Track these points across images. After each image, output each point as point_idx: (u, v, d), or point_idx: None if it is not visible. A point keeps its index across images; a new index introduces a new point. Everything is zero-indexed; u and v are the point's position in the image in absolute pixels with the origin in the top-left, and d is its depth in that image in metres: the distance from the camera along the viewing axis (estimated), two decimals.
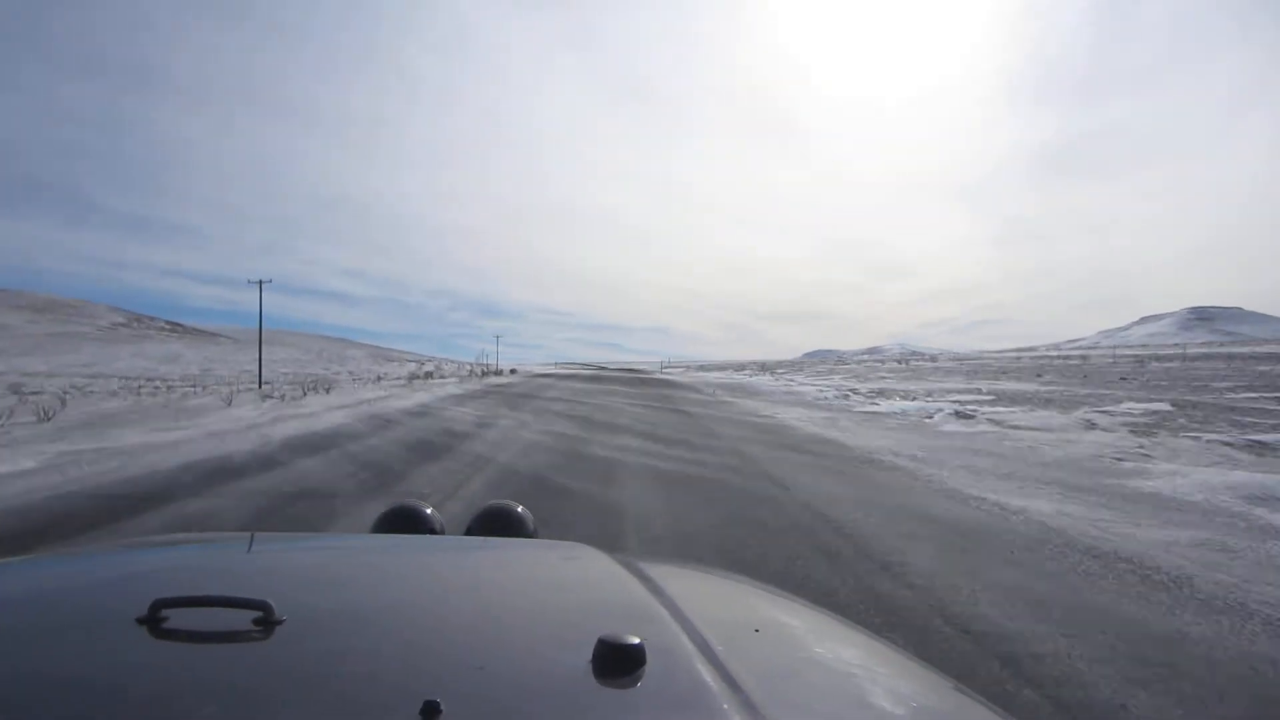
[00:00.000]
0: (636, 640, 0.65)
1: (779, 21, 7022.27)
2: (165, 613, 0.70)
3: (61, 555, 1.16)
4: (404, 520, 1.56)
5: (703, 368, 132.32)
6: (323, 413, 16.28)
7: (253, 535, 1.75)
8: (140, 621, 0.70)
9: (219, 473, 7.95)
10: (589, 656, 0.64)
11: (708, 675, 0.65)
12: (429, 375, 55.49)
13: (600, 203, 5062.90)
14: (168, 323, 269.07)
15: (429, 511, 1.60)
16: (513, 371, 69.64)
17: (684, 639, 0.74)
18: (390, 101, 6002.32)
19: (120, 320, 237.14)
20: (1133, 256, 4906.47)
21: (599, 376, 52.37)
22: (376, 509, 1.86)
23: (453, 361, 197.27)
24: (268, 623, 0.70)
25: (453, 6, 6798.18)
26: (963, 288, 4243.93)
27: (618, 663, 0.63)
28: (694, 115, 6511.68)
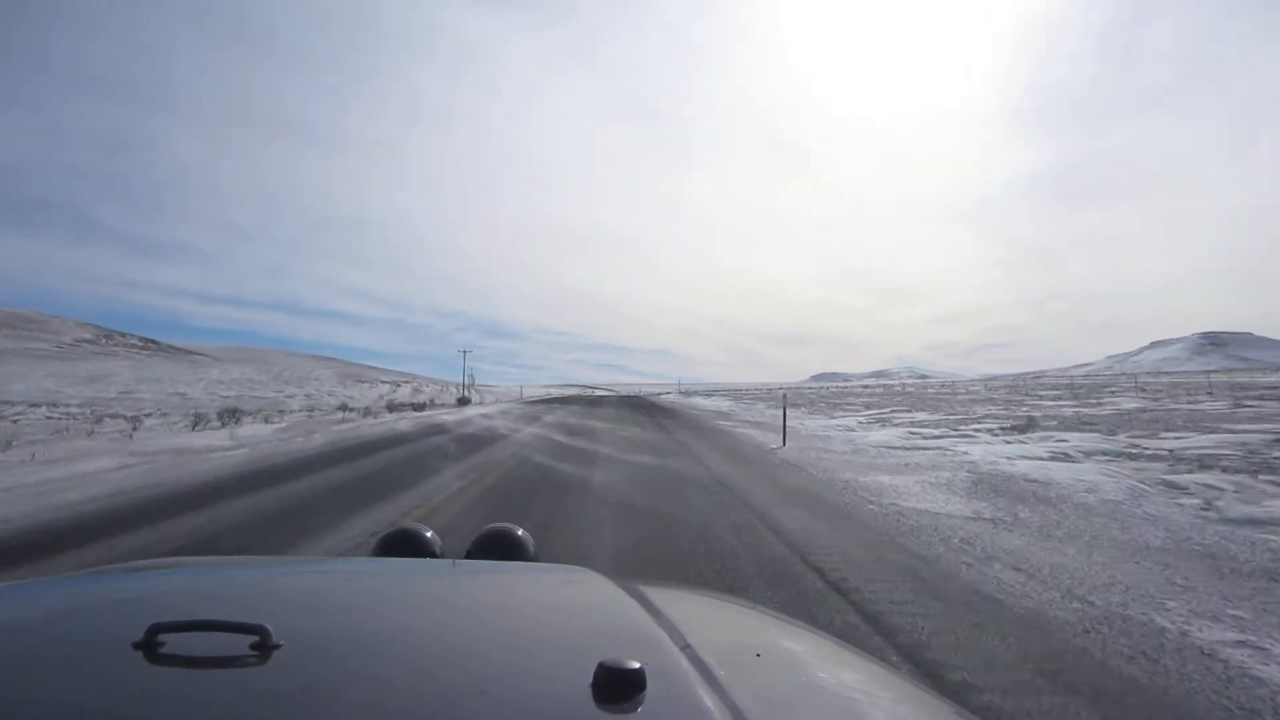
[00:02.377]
0: (637, 665, 0.64)
1: (785, 44, 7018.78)
2: (162, 637, 0.69)
3: (58, 579, 1.14)
4: (403, 544, 1.54)
5: (721, 392, 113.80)
6: None
7: (250, 559, 1.77)
8: (136, 646, 0.69)
9: None
10: (590, 681, 0.63)
11: (709, 700, 0.64)
12: (234, 416, 35.20)
13: (604, 223, 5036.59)
14: (141, 339, 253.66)
15: (428, 535, 1.58)
16: (463, 401, 48.82)
17: (685, 663, 0.73)
18: (394, 122, 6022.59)
19: (86, 336, 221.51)
20: (1140, 280, 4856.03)
21: (582, 432, 19.60)
22: None
23: (437, 382, 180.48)
24: (265, 647, 0.69)
25: (457, 27, 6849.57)
26: (968, 310, 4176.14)
27: (618, 687, 0.62)
28: (699, 136, 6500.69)
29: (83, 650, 0.75)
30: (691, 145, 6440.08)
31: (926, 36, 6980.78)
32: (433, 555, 1.53)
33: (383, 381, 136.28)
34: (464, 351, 74.75)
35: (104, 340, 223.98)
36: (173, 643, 0.70)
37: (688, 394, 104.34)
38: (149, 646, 0.69)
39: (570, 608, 1.04)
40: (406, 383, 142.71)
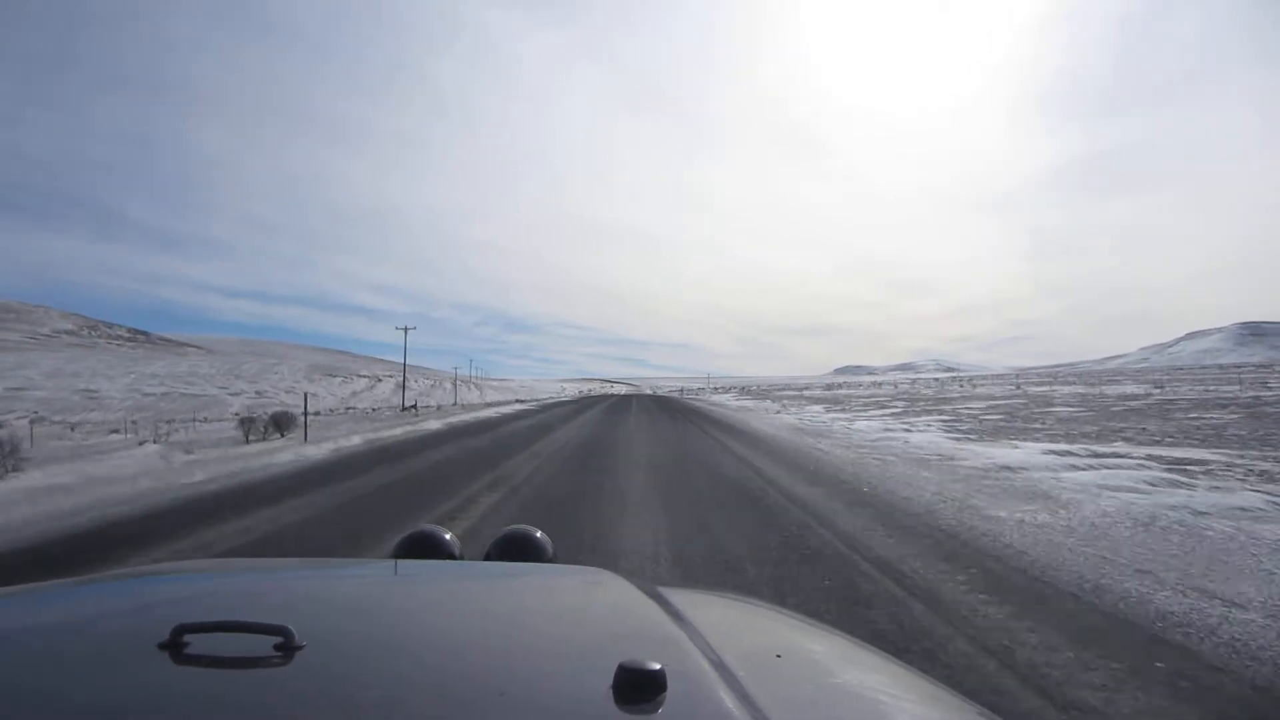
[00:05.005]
0: (657, 666, 0.64)
1: (802, 35, 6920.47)
2: (187, 638, 0.70)
3: (84, 581, 1.16)
4: (423, 545, 1.55)
5: (758, 392, 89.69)
6: None
7: (273, 561, 1.84)
8: (162, 647, 0.70)
9: None
10: (610, 682, 0.63)
11: (729, 701, 0.64)
12: None
13: (622, 217, 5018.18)
14: (130, 331, 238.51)
15: (448, 537, 1.59)
16: (272, 426, 18.98)
17: (705, 665, 0.73)
18: (412, 117, 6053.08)
19: (68, 327, 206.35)
20: (1170, 270, 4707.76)
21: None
22: None
23: (433, 375, 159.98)
24: (288, 648, 0.70)
25: (477, 22, 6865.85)
26: (991, 302, 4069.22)
27: (639, 689, 0.62)
28: (715, 128, 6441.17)
29: (110, 650, 0.76)
30: (709, 138, 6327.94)
31: (947, 25, 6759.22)
32: (453, 557, 1.53)
33: (361, 375, 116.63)
34: (405, 329, 52.84)
35: (87, 331, 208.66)
36: (197, 643, 0.70)
37: (772, 397, 57.82)
38: (174, 647, 0.70)
39: (590, 609, 1.04)
40: (390, 377, 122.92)
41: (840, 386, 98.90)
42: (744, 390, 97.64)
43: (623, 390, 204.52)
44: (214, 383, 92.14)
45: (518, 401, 61.51)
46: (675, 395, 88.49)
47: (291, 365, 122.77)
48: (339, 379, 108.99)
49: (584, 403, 48.76)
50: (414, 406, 48.36)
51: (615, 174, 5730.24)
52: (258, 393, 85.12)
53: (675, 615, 0.92)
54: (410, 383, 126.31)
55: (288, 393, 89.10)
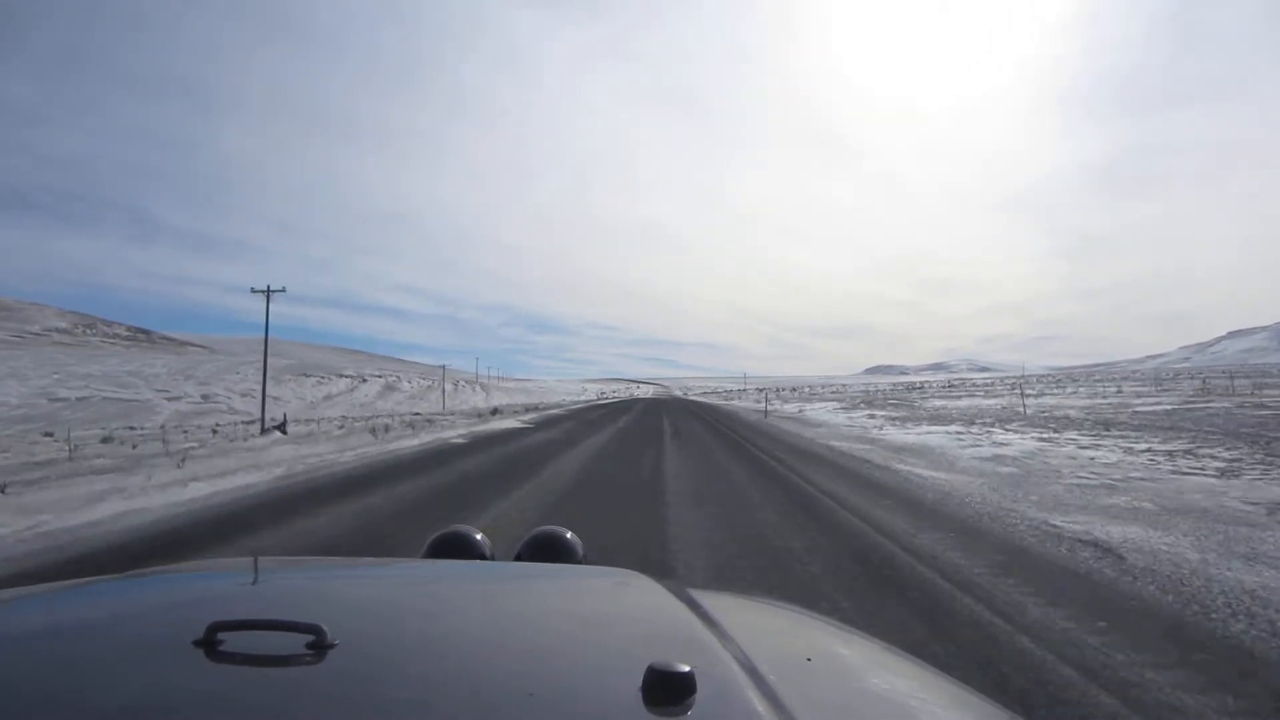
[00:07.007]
0: (687, 668, 0.64)
1: (828, 33, 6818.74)
2: (221, 635, 0.71)
3: (120, 578, 1.16)
4: (454, 545, 1.56)
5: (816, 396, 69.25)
6: None
7: (306, 560, 1.85)
8: (197, 644, 0.70)
9: None
10: (639, 684, 0.63)
11: (759, 704, 0.63)
12: None
13: (650, 217, 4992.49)
14: (129, 329, 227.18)
15: (479, 537, 1.60)
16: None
17: (734, 667, 0.72)
18: (438, 118, 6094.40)
19: (61, 325, 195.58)
20: (1213, 268, 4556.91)
21: None
22: None
23: (430, 374, 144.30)
24: (320, 646, 0.70)
25: (500, 20, 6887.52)
26: (1022, 301, 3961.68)
27: (668, 691, 0.62)
28: (741, 128, 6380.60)
29: (146, 647, 0.77)
30: (736, 139, 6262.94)
31: (974, 24, 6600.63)
32: (483, 557, 1.54)
33: (343, 375, 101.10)
34: (267, 290, 35.56)
35: (82, 329, 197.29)
36: (232, 641, 0.71)
37: (927, 410, 35.43)
38: (209, 644, 0.70)
39: (619, 610, 1.04)
40: (378, 377, 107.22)
41: (989, 390, 72.16)
42: (816, 396, 72.72)
43: (649, 393, 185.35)
44: (155, 384, 76.89)
45: (494, 413, 43.66)
46: (745, 407, 45.83)
47: (274, 363, 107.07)
48: (313, 379, 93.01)
49: (561, 434, 20.85)
50: (281, 425, 31.10)
51: (644, 175, 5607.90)
52: (204, 397, 69.90)
53: (705, 618, 0.91)
54: (404, 383, 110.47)
55: (244, 396, 73.70)
